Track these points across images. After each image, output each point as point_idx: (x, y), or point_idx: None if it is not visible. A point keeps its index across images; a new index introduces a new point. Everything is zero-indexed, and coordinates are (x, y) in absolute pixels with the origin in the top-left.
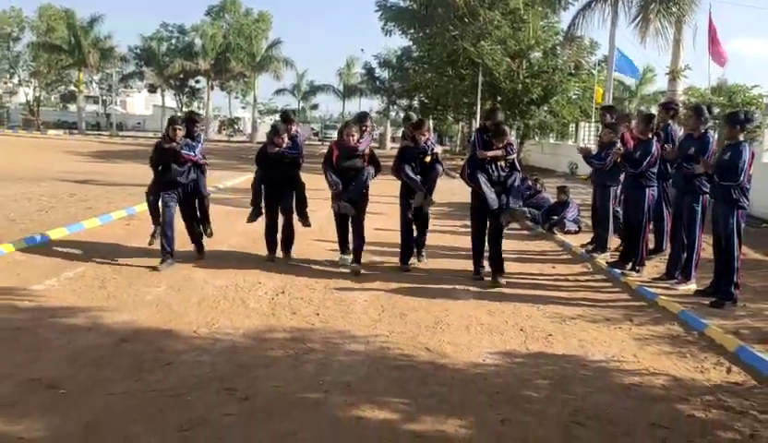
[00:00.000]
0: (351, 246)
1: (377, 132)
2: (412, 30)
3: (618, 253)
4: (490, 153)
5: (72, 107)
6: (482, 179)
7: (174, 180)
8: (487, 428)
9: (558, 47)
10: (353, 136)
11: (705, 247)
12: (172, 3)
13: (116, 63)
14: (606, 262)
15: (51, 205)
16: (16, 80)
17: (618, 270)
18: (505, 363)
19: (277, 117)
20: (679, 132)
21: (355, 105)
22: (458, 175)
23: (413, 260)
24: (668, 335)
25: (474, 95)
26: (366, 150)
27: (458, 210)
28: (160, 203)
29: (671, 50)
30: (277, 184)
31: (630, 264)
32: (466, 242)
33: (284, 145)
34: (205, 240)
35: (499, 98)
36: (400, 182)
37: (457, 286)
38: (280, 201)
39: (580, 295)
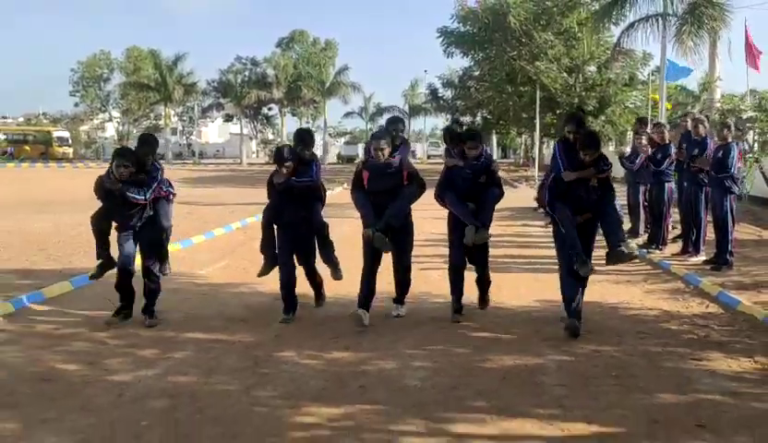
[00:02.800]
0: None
1: (440, 148)
2: (472, 52)
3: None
4: (579, 174)
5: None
6: (564, 211)
7: (126, 222)
8: (526, 335)
9: (614, 58)
10: (382, 150)
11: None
12: (244, 36)
13: (197, 96)
14: (637, 245)
15: (176, 222)
16: (105, 116)
17: (644, 250)
18: (543, 306)
19: (344, 139)
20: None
21: (420, 124)
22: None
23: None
24: (671, 289)
25: (533, 110)
26: (405, 166)
27: (518, 213)
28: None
29: (707, 63)
30: (292, 224)
31: (655, 244)
32: (521, 235)
33: (285, 173)
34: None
35: (558, 111)
36: (447, 211)
37: (512, 265)
38: (296, 248)
39: (611, 268)
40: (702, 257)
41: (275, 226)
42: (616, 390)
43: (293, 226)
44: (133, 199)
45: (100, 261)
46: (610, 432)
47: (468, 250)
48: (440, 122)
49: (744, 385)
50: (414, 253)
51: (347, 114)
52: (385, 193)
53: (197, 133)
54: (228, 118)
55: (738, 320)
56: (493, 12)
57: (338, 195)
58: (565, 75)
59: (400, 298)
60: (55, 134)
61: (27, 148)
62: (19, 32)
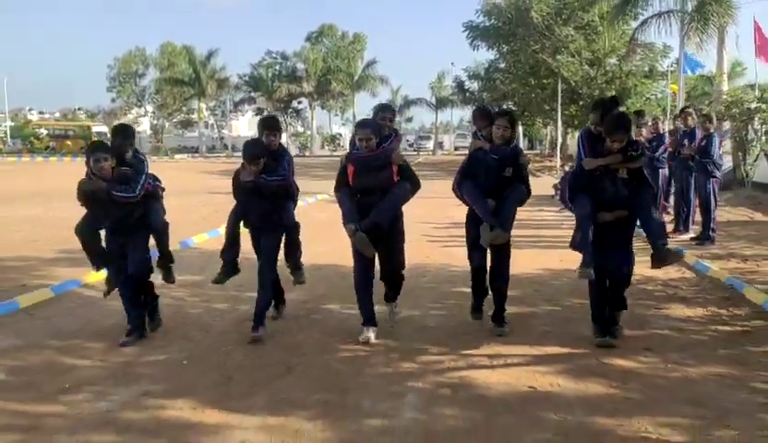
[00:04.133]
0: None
1: (467, 140)
2: (496, 46)
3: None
4: (602, 160)
5: (188, 133)
6: (584, 206)
7: (115, 226)
8: (527, 293)
9: (630, 53)
10: (368, 141)
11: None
12: (273, 31)
13: (230, 91)
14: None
15: (221, 209)
16: (140, 111)
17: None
18: (545, 272)
19: None
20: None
21: (447, 116)
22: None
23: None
24: None
25: (556, 102)
26: (395, 160)
27: (536, 200)
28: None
29: (716, 57)
30: (261, 226)
31: None
32: (534, 219)
33: (255, 170)
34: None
35: (581, 102)
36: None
37: (522, 243)
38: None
39: None
40: (690, 235)
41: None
42: (588, 328)
43: (262, 228)
44: (122, 199)
45: (107, 276)
46: (577, 352)
47: (486, 255)
48: (467, 114)
49: (691, 324)
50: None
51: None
52: (373, 191)
53: (227, 126)
54: (258, 112)
55: (705, 282)
56: (516, 8)
57: None
58: (587, 67)
59: (392, 295)
60: (94, 129)
61: (68, 142)
62: (51, 30)
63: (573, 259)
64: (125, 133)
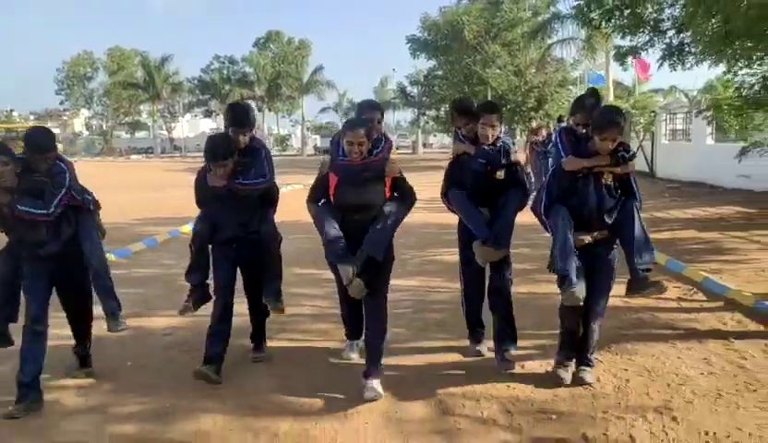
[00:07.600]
0: (365, 338)
1: (408, 140)
2: (435, 56)
3: None
4: (587, 162)
5: (137, 134)
6: (562, 219)
7: (35, 253)
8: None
9: (543, 66)
10: (360, 145)
11: None
12: (221, 36)
13: (183, 95)
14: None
15: None
16: (89, 113)
17: None
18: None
19: (321, 138)
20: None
21: (390, 117)
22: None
23: (483, 348)
24: None
25: None
26: (389, 171)
27: None
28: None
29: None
30: (234, 240)
31: None
32: None
33: (225, 173)
34: None
35: (508, 107)
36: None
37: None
38: (242, 272)
39: None
40: None
41: (210, 244)
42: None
43: (236, 243)
44: (30, 215)
45: None
46: (530, 268)
47: (483, 275)
48: (408, 115)
49: None
50: None
51: (323, 110)
52: (359, 208)
53: (166, 128)
54: (207, 113)
55: None
56: (451, 25)
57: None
58: (512, 77)
59: (371, 368)
60: None
61: (21, 144)
62: None
63: None
64: (39, 144)
